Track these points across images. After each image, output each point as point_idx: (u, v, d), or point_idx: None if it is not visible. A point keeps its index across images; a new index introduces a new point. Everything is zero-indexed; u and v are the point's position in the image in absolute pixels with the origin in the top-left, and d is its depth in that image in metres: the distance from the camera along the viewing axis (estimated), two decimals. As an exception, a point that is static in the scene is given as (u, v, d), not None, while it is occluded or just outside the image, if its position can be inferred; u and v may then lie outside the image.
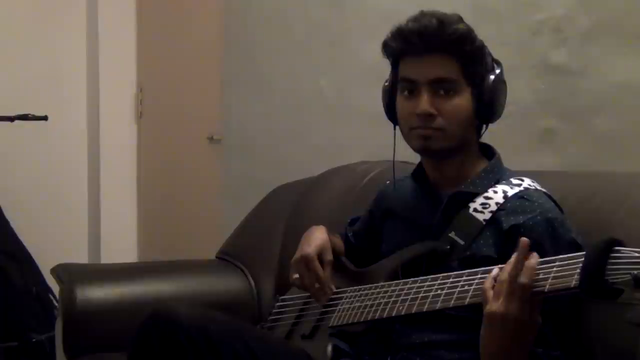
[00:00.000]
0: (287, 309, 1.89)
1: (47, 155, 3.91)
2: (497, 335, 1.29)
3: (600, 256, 1.17)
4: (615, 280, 1.14)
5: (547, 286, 1.24)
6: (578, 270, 1.20)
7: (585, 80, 2.09)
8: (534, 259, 1.27)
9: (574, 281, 1.21)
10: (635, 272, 1.11)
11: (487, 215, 1.55)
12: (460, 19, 1.59)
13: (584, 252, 1.21)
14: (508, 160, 1.68)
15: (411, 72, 1.59)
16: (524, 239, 1.30)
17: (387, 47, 1.64)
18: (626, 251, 1.16)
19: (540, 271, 1.26)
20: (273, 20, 3.09)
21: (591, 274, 1.17)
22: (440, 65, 1.57)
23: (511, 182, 1.60)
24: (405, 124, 1.62)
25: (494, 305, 1.28)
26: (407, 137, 1.64)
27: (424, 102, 1.56)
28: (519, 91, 2.17)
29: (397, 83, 1.63)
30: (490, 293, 1.30)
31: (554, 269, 1.25)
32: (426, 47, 1.57)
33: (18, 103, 3.31)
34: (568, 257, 1.24)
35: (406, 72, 1.61)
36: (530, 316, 1.27)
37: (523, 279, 1.26)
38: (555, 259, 1.26)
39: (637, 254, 1.14)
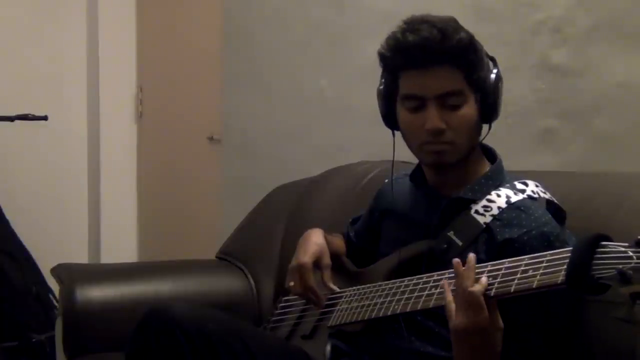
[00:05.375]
0: (289, 309, 1.90)
1: (47, 155, 3.91)
2: (466, 347, 1.33)
3: (585, 251, 1.17)
4: (601, 276, 1.15)
5: (536, 282, 1.26)
6: (565, 267, 1.21)
7: (585, 80, 2.09)
8: (484, 276, 1.32)
9: (561, 277, 1.22)
10: (621, 266, 1.11)
11: (488, 219, 1.54)
12: (458, 25, 1.54)
13: (570, 248, 1.21)
14: (508, 160, 1.67)
15: (416, 88, 1.54)
16: (456, 260, 1.35)
17: (385, 60, 1.58)
18: (612, 246, 1.16)
19: (530, 268, 1.28)
20: (273, 20, 3.09)
21: (577, 270, 1.18)
22: (445, 78, 1.52)
23: (515, 186, 1.58)
24: (414, 139, 1.58)
25: (457, 319, 1.32)
26: (417, 152, 1.61)
27: (434, 119, 1.52)
28: (519, 91, 2.17)
29: (396, 93, 1.59)
30: (453, 306, 1.34)
31: (543, 264, 1.26)
32: (429, 61, 1.51)
33: (18, 103, 3.31)
34: (556, 252, 1.26)
35: (410, 89, 1.55)
36: (491, 322, 1.31)
37: (474, 287, 1.31)
38: (545, 254, 1.28)
39: (623, 249, 1.14)
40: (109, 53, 4.00)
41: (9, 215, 3.42)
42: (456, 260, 1.36)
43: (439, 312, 1.42)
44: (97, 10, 3.96)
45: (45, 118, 3.17)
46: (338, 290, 1.72)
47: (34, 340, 3.21)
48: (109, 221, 4.04)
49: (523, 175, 1.64)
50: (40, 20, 3.89)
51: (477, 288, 1.31)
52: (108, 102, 4.01)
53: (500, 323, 1.33)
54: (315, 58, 2.92)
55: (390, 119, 1.64)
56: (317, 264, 1.74)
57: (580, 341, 1.53)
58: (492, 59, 1.59)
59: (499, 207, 1.54)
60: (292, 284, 1.75)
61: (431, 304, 1.43)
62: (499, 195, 1.56)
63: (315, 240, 1.77)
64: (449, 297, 1.35)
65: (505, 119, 1.78)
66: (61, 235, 3.89)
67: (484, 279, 1.32)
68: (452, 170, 1.60)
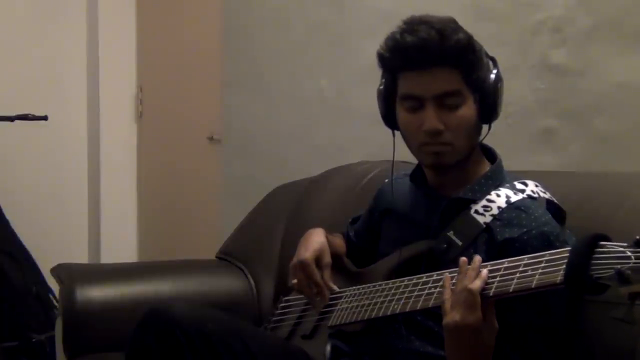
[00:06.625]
0: (290, 309, 1.90)
1: (47, 155, 3.91)
2: (457, 345, 1.34)
3: (584, 251, 1.17)
4: (599, 276, 1.15)
5: (534, 282, 1.26)
6: (564, 267, 1.21)
7: (585, 80, 2.08)
8: (485, 270, 1.33)
9: (559, 277, 1.22)
10: (619, 266, 1.11)
11: (488, 219, 1.54)
12: (457, 26, 1.54)
13: (569, 248, 1.21)
14: (508, 160, 1.67)
15: (414, 89, 1.55)
16: (463, 259, 1.36)
17: (383, 61, 1.59)
18: (611, 246, 1.16)
19: (528, 268, 1.28)
20: (273, 20, 3.09)
21: (575, 270, 1.18)
22: (443, 78, 1.52)
23: (515, 186, 1.58)
24: (413, 139, 1.59)
25: (450, 316, 1.32)
26: (416, 153, 1.61)
27: (432, 120, 1.52)
28: (519, 91, 2.17)
29: (395, 93, 1.59)
30: (449, 304, 1.34)
31: (542, 264, 1.26)
32: (427, 61, 1.51)
33: (18, 103, 3.31)
34: (555, 252, 1.26)
35: (409, 89, 1.56)
36: (486, 322, 1.31)
37: (473, 285, 1.31)
38: (544, 254, 1.28)
39: (621, 249, 1.14)
40: (109, 53, 3.99)
41: (9, 215, 3.42)
42: (463, 259, 1.36)
43: (438, 312, 1.42)
44: (97, 10, 3.96)
45: (45, 118, 3.17)
46: (338, 289, 1.72)
47: (34, 340, 3.21)
48: (109, 221, 4.04)
49: (523, 175, 1.64)
50: (40, 20, 3.89)
51: (477, 284, 1.31)
52: (108, 102, 4.01)
53: (495, 323, 1.33)
54: (315, 58, 2.92)
55: (390, 119, 1.64)
56: (317, 262, 1.74)
57: (579, 341, 1.53)
58: (492, 59, 1.59)
59: (498, 207, 1.54)
60: (295, 281, 1.75)
61: (430, 303, 1.43)
62: (498, 195, 1.56)
63: (316, 239, 1.78)
64: (447, 294, 1.35)
65: (505, 119, 1.78)
66: (61, 235, 3.89)
67: (484, 272, 1.33)
68: (452, 170, 1.60)
